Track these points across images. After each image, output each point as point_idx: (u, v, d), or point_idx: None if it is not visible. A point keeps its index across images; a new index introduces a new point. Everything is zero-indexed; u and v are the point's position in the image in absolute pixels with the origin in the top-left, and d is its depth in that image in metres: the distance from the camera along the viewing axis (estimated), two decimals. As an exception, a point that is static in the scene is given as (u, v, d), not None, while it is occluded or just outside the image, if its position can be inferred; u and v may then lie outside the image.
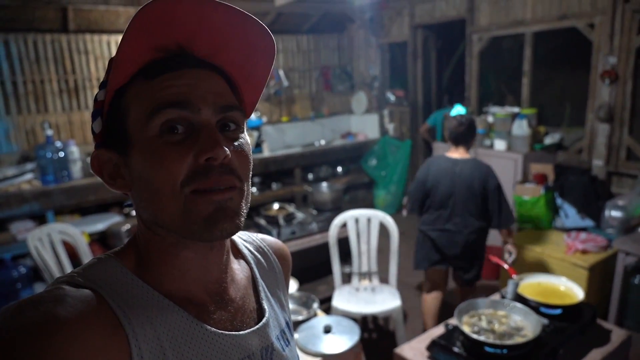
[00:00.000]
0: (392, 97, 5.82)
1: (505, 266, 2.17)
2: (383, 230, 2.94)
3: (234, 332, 0.60)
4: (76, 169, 4.06)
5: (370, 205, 5.58)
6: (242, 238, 0.75)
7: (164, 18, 0.51)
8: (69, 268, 2.78)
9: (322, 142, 5.74)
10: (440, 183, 2.68)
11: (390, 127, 5.81)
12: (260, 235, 0.79)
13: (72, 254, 2.87)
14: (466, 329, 1.70)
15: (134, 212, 4.21)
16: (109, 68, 0.55)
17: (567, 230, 3.39)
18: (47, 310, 0.46)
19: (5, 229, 3.72)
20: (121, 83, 0.54)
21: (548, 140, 3.89)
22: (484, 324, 1.77)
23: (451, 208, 2.68)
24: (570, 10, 3.64)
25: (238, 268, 0.68)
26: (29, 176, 3.85)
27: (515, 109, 4.05)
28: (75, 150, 4.05)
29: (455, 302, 2.46)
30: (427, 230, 2.77)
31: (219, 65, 0.58)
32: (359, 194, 5.96)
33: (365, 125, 6.09)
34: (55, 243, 2.76)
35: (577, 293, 1.96)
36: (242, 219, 0.57)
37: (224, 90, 0.57)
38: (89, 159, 4.31)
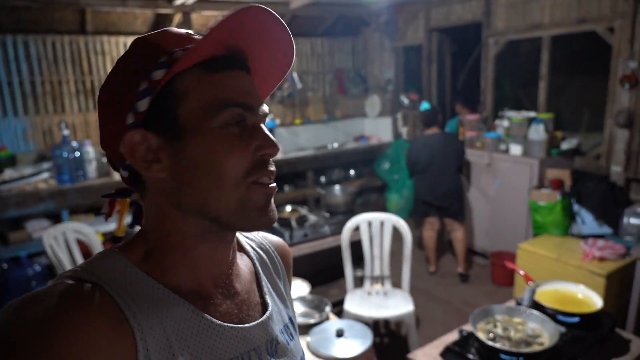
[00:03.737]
0: (406, 101, 5.78)
1: (521, 272, 2.13)
2: (396, 234, 2.92)
3: (239, 325, 0.61)
4: (91, 168, 4.10)
5: (383, 208, 5.54)
6: (245, 236, 0.76)
7: (243, 22, 0.54)
8: (83, 266, 2.80)
9: (335, 144, 5.73)
10: (422, 153, 3.87)
11: (403, 130, 5.78)
12: (262, 234, 0.80)
13: (87, 253, 2.90)
14: (481, 336, 1.67)
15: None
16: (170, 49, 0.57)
17: (584, 237, 3.32)
18: (49, 306, 0.46)
19: (22, 227, 3.77)
20: (183, 68, 0.55)
21: (565, 146, 3.83)
22: (499, 330, 1.74)
23: (432, 168, 3.86)
24: (590, 14, 3.59)
25: (242, 263, 0.69)
26: (45, 175, 3.91)
27: (532, 114, 4.00)
28: (90, 151, 4.10)
29: (446, 237, 4.39)
30: (417, 186, 4.02)
31: (254, 71, 0.62)
32: (371, 197, 5.93)
33: (378, 129, 6.07)
34: (70, 242, 2.79)
35: (595, 301, 1.91)
36: None
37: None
38: (104, 159, 4.36)
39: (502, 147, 4.07)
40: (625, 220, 3.19)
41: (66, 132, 4.04)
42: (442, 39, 5.41)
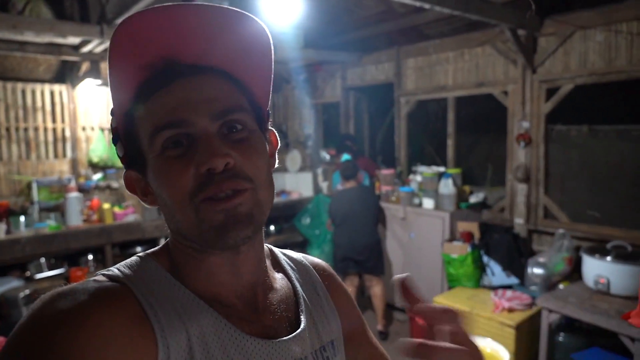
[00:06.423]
0: (326, 156, 5.86)
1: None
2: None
3: (265, 339, 0.59)
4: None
5: (304, 265, 5.40)
6: (283, 253, 0.76)
7: (138, 35, 0.52)
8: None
9: (255, 199, 5.59)
10: (341, 206, 3.92)
11: (324, 185, 5.79)
12: (302, 254, 0.80)
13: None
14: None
15: (38, 275, 3.80)
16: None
17: (494, 288, 3.40)
18: (78, 300, 0.49)
19: None
20: (125, 108, 0.56)
21: (473, 199, 4.01)
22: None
23: (351, 221, 3.85)
24: (487, 79, 3.91)
25: (277, 277, 0.69)
26: None
27: (442, 169, 4.18)
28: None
29: (366, 292, 4.24)
30: (337, 241, 3.97)
31: (213, 66, 0.57)
32: (292, 253, 5.78)
33: (299, 184, 6.04)
34: None
35: (502, 356, 1.89)
36: (260, 220, 0.57)
37: (220, 94, 0.56)
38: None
39: (416, 200, 4.18)
40: (529, 270, 3.32)
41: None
42: (359, 97, 5.64)
